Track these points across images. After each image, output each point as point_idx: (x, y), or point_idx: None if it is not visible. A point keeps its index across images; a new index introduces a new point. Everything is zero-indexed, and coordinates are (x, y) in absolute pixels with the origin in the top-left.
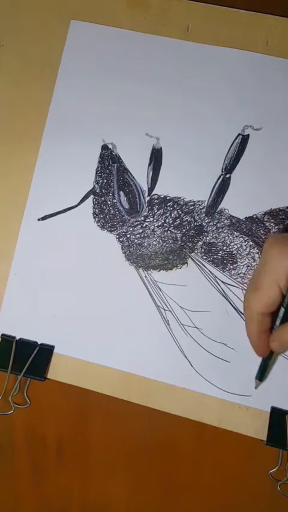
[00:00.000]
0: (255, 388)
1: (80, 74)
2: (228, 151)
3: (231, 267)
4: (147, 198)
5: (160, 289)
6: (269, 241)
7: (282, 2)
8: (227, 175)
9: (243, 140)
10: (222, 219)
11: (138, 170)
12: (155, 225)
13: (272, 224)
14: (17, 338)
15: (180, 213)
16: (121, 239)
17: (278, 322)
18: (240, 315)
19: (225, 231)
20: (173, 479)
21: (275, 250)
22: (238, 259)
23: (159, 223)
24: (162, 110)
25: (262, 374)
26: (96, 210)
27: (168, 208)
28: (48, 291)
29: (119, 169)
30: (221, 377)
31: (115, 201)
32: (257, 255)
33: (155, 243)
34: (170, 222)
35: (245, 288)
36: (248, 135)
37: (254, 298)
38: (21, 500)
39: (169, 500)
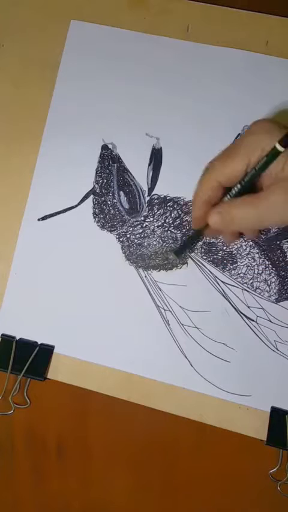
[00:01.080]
0: (169, 259)
1: (80, 74)
2: None
3: (231, 267)
4: (147, 198)
5: (160, 289)
6: (257, 120)
7: (282, 2)
8: None
9: None
10: None
11: (138, 170)
12: (155, 225)
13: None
14: (17, 338)
15: (180, 213)
16: (121, 239)
17: (230, 194)
18: (240, 315)
19: None
20: (173, 479)
21: (260, 126)
22: (238, 259)
23: (159, 223)
24: (162, 110)
25: (182, 250)
26: (96, 210)
27: (168, 208)
28: (48, 291)
29: (119, 169)
30: (221, 377)
31: (115, 201)
32: (257, 255)
33: (155, 243)
34: (170, 222)
35: (245, 288)
36: None
37: (219, 165)
38: (21, 500)
39: (169, 500)
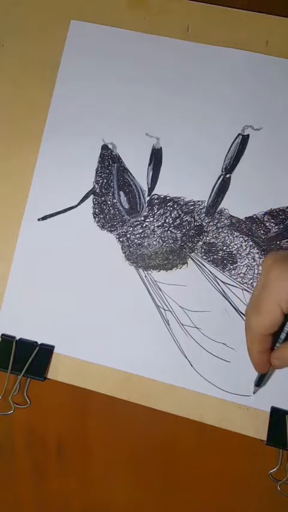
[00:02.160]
0: (253, 393)
1: (80, 74)
2: (228, 151)
3: (231, 267)
4: (147, 198)
5: (160, 289)
6: (269, 259)
7: (282, 2)
8: (227, 175)
9: (243, 140)
10: (222, 219)
11: (138, 170)
12: (155, 225)
13: (272, 224)
14: (17, 338)
15: (180, 213)
16: (121, 239)
17: (279, 341)
18: (240, 315)
19: (225, 231)
20: (173, 479)
21: (276, 270)
22: (238, 259)
23: (159, 223)
24: (162, 110)
25: (260, 381)
26: (96, 210)
27: (168, 208)
28: (48, 291)
29: (119, 169)
30: (221, 377)
31: (115, 201)
32: (257, 255)
33: (155, 243)
34: (170, 222)
35: (245, 288)
36: (248, 135)
37: (256, 321)
38: (21, 500)
39: (169, 500)
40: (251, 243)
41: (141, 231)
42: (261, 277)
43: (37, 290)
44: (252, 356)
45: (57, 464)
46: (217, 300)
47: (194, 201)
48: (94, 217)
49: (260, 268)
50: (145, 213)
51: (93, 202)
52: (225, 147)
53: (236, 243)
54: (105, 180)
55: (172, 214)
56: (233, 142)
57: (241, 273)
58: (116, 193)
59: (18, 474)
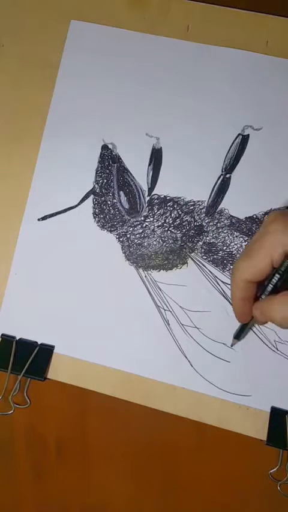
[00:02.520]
0: (231, 346)
1: (80, 74)
2: (228, 151)
3: (232, 267)
4: (147, 198)
5: (160, 289)
6: (273, 214)
7: (282, 2)
8: (227, 175)
9: (243, 140)
10: (222, 219)
11: (138, 170)
12: (155, 225)
13: None
14: (17, 338)
15: (180, 213)
16: (121, 239)
17: (265, 293)
18: None
19: (225, 231)
20: (173, 479)
21: (276, 224)
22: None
23: (159, 223)
24: (162, 110)
25: (240, 333)
26: (96, 210)
27: (168, 208)
28: (48, 291)
29: (119, 169)
30: (221, 377)
31: (115, 201)
32: None
33: (155, 243)
34: (170, 222)
35: None
36: (248, 135)
37: (244, 265)
38: (21, 500)
39: (169, 500)
40: None
41: (141, 231)
42: (260, 227)
43: (37, 290)
44: (234, 303)
45: (57, 464)
46: (217, 300)
47: (194, 201)
48: (94, 217)
49: None
50: (145, 213)
51: (93, 202)
52: (225, 147)
53: (236, 243)
54: (105, 180)
55: (172, 214)
56: (233, 142)
57: None
58: (116, 193)
59: (18, 474)
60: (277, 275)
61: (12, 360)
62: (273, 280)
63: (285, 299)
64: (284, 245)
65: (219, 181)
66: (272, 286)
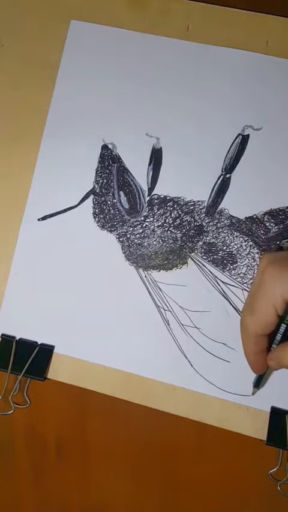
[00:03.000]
0: (252, 394)
1: (80, 74)
2: (228, 151)
3: (231, 267)
4: (147, 198)
5: (160, 289)
6: (265, 260)
7: (282, 2)
8: (227, 175)
9: (243, 140)
10: (222, 219)
11: (138, 170)
12: (155, 225)
13: (272, 224)
14: (17, 338)
15: (180, 213)
16: (121, 239)
17: (275, 342)
18: (240, 315)
19: (225, 231)
20: (173, 479)
21: (271, 272)
22: (238, 259)
23: (159, 223)
24: (162, 109)
25: (259, 382)
26: (96, 210)
27: (168, 208)
28: (48, 291)
29: (119, 169)
30: (221, 377)
31: (115, 201)
32: (257, 255)
33: (155, 243)
34: (170, 222)
35: (245, 288)
36: (248, 135)
37: (251, 321)
38: (21, 500)
39: (169, 500)
40: (251, 243)
41: (141, 231)
42: (256, 277)
43: (37, 290)
44: (248, 357)
45: (57, 464)
46: (217, 300)
47: (194, 201)
48: (94, 217)
49: None
50: (145, 213)
51: (93, 202)
52: (225, 147)
53: (236, 243)
54: (105, 180)
55: (172, 214)
56: (233, 142)
57: (241, 273)
58: (116, 193)
59: (18, 474)
60: (283, 325)
61: (12, 360)
62: (280, 330)
63: None
64: (283, 294)
65: (219, 181)
66: (280, 335)
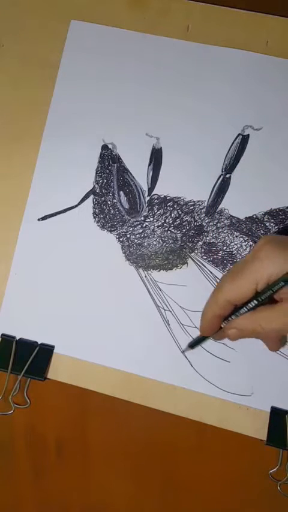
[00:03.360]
0: (182, 352)
1: (80, 74)
2: (228, 151)
3: (231, 267)
4: (147, 198)
5: (160, 289)
6: (263, 240)
7: (282, 2)
8: (227, 175)
9: (243, 140)
10: (222, 219)
11: (138, 170)
12: (155, 225)
13: (272, 224)
14: (17, 338)
15: (180, 213)
16: (121, 239)
17: (237, 314)
18: None
19: (225, 231)
20: (173, 479)
21: (267, 251)
22: (238, 259)
23: (159, 223)
24: (162, 110)
25: (196, 344)
26: (96, 210)
27: (168, 208)
28: (48, 291)
29: (119, 169)
30: (221, 377)
31: (115, 201)
32: None
33: (155, 243)
34: (170, 222)
35: None
36: (248, 135)
37: (229, 288)
38: (21, 500)
39: (169, 500)
40: (251, 243)
41: (141, 231)
42: (250, 252)
43: (37, 290)
44: (205, 317)
45: (57, 464)
46: None
47: (194, 201)
48: (94, 217)
49: None
50: (145, 213)
51: (93, 202)
52: (225, 147)
53: (236, 243)
54: (105, 180)
55: (172, 214)
56: (233, 142)
57: None
58: (116, 193)
59: (18, 474)
60: (255, 301)
61: (12, 360)
62: (250, 304)
63: (270, 306)
64: (270, 275)
65: (219, 181)
66: (246, 310)
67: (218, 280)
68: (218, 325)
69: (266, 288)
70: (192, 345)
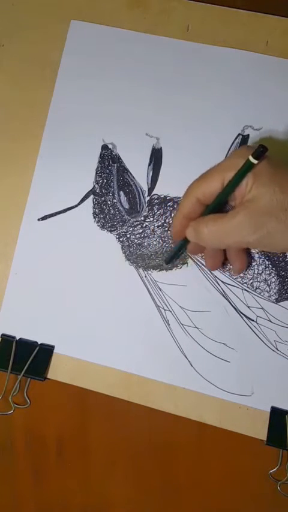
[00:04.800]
0: (163, 268)
1: (80, 74)
2: (228, 151)
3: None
4: (147, 198)
5: (160, 289)
6: (242, 146)
7: (282, 2)
8: None
9: (243, 140)
10: None
11: (138, 170)
12: (155, 225)
13: None
14: (17, 338)
15: None
16: (121, 239)
17: (204, 213)
18: (240, 315)
19: None
20: (173, 479)
21: (236, 152)
22: None
23: (159, 223)
24: (162, 109)
25: (171, 259)
26: (96, 210)
27: (168, 208)
28: (48, 291)
29: (119, 169)
30: (221, 377)
31: (115, 201)
32: (257, 255)
33: (155, 243)
34: (170, 222)
35: (245, 288)
36: (248, 135)
37: (197, 183)
38: (21, 500)
39: (169, 500)
40: None
41: (141, 231)
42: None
43: (37, 290)
44: (175, 219)
45: (57, 464)
46: (217, 300)
47: None
48: (94, 217)
49: (260, 268)
50: (145, 213)
51: (93, 202)
52: (225, 147)
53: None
54: (105, 180)
55: (172, 214)
56: (233, 142)
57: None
58: (116, 193)
59: (18, 474)
60: (221, 193)
61: (12, 360)
62: (215, 201)
63: (217, 217)
64: (236, 167)
65: None
66: (213, 203)
67: (218, 280)
68: (186, 225)
69: (230, 180)
70: (168, 260)
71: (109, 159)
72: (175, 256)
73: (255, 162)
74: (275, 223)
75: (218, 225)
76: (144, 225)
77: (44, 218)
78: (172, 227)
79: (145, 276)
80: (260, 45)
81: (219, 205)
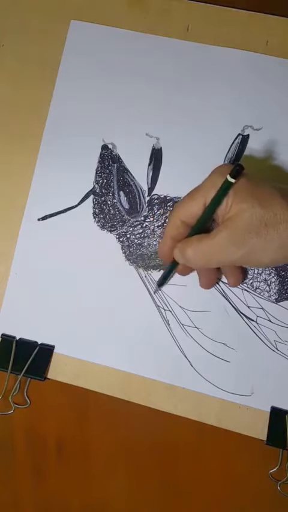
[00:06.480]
0: (154, 293)
1: (80, 74)
2: (228, 151)
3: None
4: (147, 198)
5: (160, 289)
6: (222, 164)
7: (283, 2)
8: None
9: (243, 140)
10: None
11: (138, 170)
12: (155, 225)
13: None
14: (17, 338)
15: None
16: (121, 239)
17: (189, 234)
18: (240, 315)
19: None
20: (173, 479)
21: (216, 170)
22: None
23: (159, 223)
24: (162, 110)
25: (163, 281)
26: (96, 210)
27: (168, 208)
28: (48, 291)
29: (119, 169)
30: (221, 377)
31: (115, 201)
32: None
33: (155, 243)
34: None
35: (245, 288)
36: (248, 135)
37: (180, 205)
38: (21, 500)
39: (169, 500)
40: None
41: (141, 231)
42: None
43: (37, 290)
44: (163, 241)
45: (57, 464)
46: (217, 300)
47: None
48: (94, 217)
49: (260, 268)
50: (145, 213)
51: (93, 202)
52: (225, 147)
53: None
54: (105, 180)
55: None
56: (233, 142)
57: None
58: (116, 193)
59: (18, 474)
60: (203, 214)
61: (12, 360)
62: (198, 222)
63: (201, 237)
64: (216, 187)
65: None
66: (196, 224)
67: (218, 280)
68: (173, 247)
69: (211, 200)
70: (160, 282)
71: (109, 159)
72: (167, 278)
73: (233, 181)
74: (256, 240)
75: (202, 245)
76: (144, 225)
77: (44, 218)
78: (159, 250)
79: (145, 276)
80: (260, 45)
81: (204, 226)
